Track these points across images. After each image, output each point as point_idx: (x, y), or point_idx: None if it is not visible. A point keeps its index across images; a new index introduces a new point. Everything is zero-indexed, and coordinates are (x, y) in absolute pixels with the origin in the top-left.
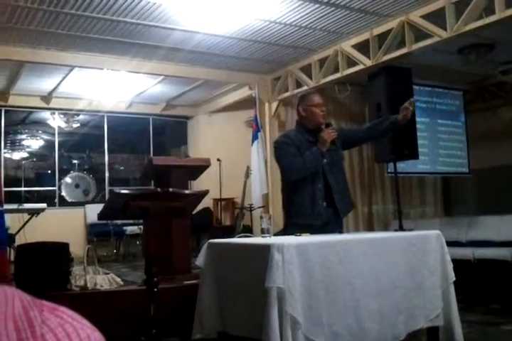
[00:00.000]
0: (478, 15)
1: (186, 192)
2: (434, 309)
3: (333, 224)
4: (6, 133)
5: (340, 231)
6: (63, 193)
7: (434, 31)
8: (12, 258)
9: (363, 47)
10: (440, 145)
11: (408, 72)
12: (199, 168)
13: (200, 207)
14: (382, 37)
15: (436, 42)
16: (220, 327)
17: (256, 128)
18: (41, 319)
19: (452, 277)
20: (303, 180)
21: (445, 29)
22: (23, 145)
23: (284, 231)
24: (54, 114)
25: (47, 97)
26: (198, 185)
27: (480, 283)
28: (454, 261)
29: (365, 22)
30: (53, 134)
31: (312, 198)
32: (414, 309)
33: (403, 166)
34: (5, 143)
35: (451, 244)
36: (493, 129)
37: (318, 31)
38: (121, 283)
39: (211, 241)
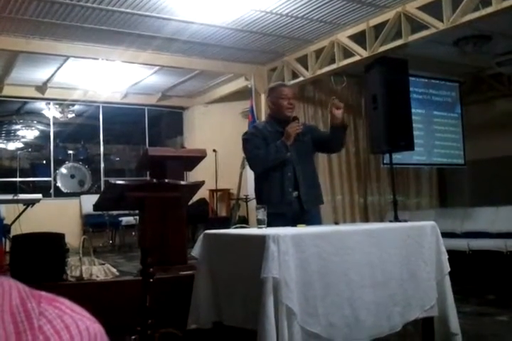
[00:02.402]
0: (474, 7)
1: (182, 183)
2: (429, 300)
3: (307, 216)
4: (1, 124)
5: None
6: (58, 184)
7: (430, 22)
8: (7, 248)
9: (359, 39)
10: (436, 137)
11: (404, 63)
12: (195, 159)
13: (196, 198)
14: (378, 28)
15: (433, 34)
16: (215, 317)
17: (252, 119)
18: (39, 310)
19: (447, 268)
20: (272, 169)
21: (442, 20)
22: (18, 135)
23: None
24: (49, 104)
25: (42, 87)
26: (193, 175)
27: (475, 274)
28: (449, 252)
29: (362, 13)
30: (48, 124)
31: (281, 186)
32: (410, 300)
33: (399, 157)
34: (0, 134)
35: (446, 235)
36: (489, 121)
37: (314, 22)
38: (117, 273)
39: (207, 232)
